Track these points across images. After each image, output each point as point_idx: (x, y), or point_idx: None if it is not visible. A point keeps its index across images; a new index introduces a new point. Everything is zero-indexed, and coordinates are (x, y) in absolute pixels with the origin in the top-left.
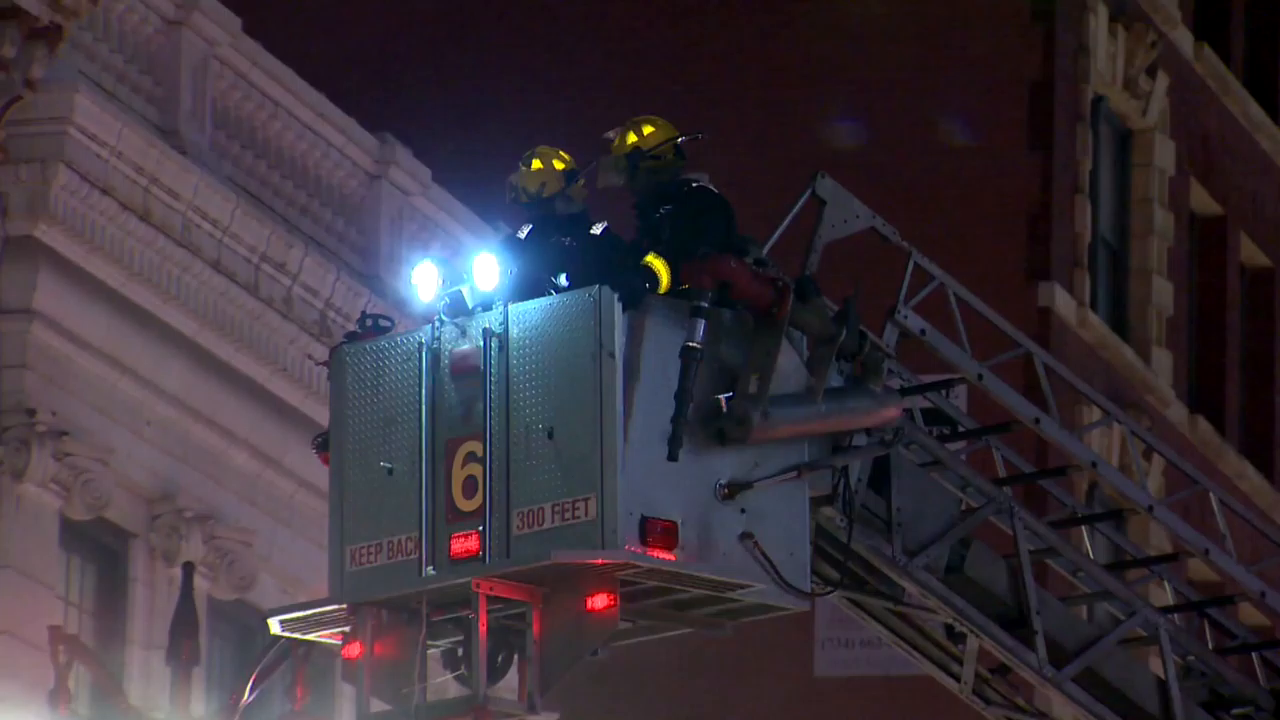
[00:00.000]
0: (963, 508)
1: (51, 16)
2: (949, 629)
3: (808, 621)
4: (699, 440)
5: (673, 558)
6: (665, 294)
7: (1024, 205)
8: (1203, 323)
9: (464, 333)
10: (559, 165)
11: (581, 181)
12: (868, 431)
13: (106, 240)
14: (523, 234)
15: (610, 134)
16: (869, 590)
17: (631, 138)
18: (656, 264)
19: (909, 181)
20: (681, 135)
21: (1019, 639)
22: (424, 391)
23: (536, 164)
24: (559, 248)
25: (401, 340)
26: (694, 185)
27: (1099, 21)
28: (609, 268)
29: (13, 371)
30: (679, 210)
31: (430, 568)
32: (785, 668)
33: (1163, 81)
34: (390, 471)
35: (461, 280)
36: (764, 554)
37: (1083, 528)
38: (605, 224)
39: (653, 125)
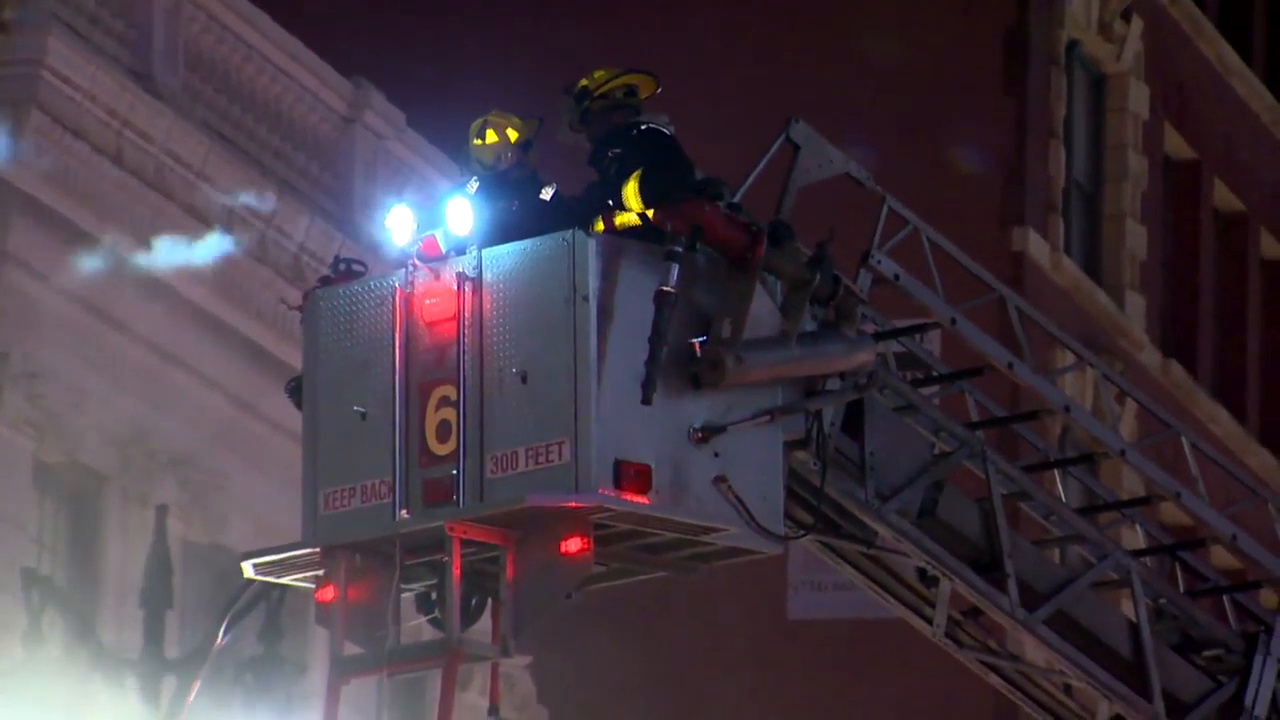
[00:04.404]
0: (935, 452)
1: None
2: (921, 572)
3: (780, 565)
4: (673, 384)
5: (646, 501)
6: (632, 236)
7: (998, 150)
8: (1176, 267)
9: (438, 276)
10: (513, 136)
11: (534, 151)
12: (841, 376)
13: (79, 183)
14: (471, 189)
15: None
16: (842, 534)
17: (584, 81)
18: (628, 190)
19: (883, 127)
20: (630, 73)
21: (991, 582)
22: (398, 335)
23: (491, 136)
24: (505, 212)
25: (375, 284)
26: (643, 127)
27: None
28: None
29: None
30: (627, 153)
31: (404, 511)
32: (758, 611)
33: (1137, 26)
34: (364, 415)
35: (435, 224)
36: (737, 497)
37: (1055, 471)
38: (554, 187)
39: (605, 70)
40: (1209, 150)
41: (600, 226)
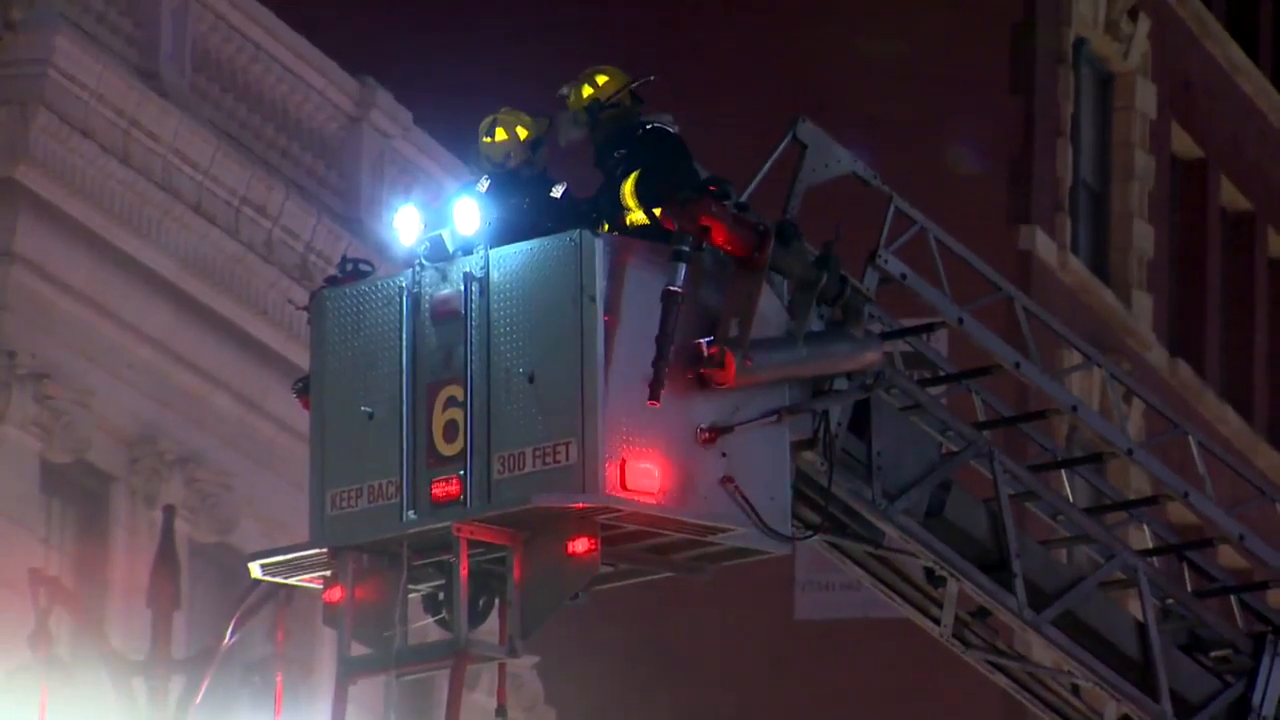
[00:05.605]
0: (943, 452)
1: None
2: (929, 572)
3: (788, 565)
4: (680, 384)
5: (654, 501)
6: (642, 236)
7: (1005, 149)
8: (1183, 266)
9: (445, 277)
10: (523, 134)
11: (544, 150)
12: (848, 375)
13: (86, 183)
14: (482, 188)
15: (565, 90)
16: (849, 534)
17: (587, 90)
18: (626, 189)
19: (889, 125)
20: (635, 80)
21: (998, 582)
22: (405, 335)
23: (501, 134)
24: (516, 210)
25: (382, 284)
26: (648, 127)
27: None
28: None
29: None
30: (634, 152)
31: (411, 512)
32: (765, 611)
33: (1144, 24)
34: (371, 415)
35: (442, 224)
36: (744, 497)
37: (1062, 471)
38: (564, 186)
39: (606, 74)
40: (1216, 149)
41: (605, 227)
